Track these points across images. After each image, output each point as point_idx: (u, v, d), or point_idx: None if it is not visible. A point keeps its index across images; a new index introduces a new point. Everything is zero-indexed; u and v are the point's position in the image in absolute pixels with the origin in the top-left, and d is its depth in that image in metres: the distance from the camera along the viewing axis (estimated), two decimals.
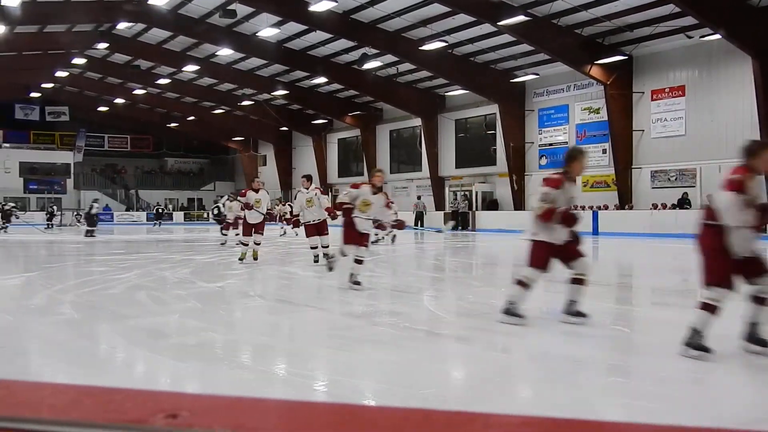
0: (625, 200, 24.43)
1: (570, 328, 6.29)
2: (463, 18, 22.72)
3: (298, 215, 11.38)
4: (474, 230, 28.32)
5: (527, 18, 20.90)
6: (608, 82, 23.91)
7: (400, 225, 10.35)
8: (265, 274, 11.59)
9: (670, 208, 22.55)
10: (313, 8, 22.08)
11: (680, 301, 8.36)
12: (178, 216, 44.59)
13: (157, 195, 47.84)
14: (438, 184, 32.61)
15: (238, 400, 1.04)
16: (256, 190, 12.53)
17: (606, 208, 24.71)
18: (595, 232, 23.63)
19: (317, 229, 11.26)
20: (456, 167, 32.13)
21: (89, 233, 22.76)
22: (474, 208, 29.90)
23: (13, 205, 29.36)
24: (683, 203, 22.39)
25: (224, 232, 18.20)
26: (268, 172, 45.81)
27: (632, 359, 5.09)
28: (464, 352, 5.10)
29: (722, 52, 21.42)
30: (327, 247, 11.11)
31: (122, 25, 27.98)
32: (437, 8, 22.26)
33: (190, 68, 31.52)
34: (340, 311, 7.22)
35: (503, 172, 29.19)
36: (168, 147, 51.95)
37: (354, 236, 8.20)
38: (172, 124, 45.54)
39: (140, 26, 28.25)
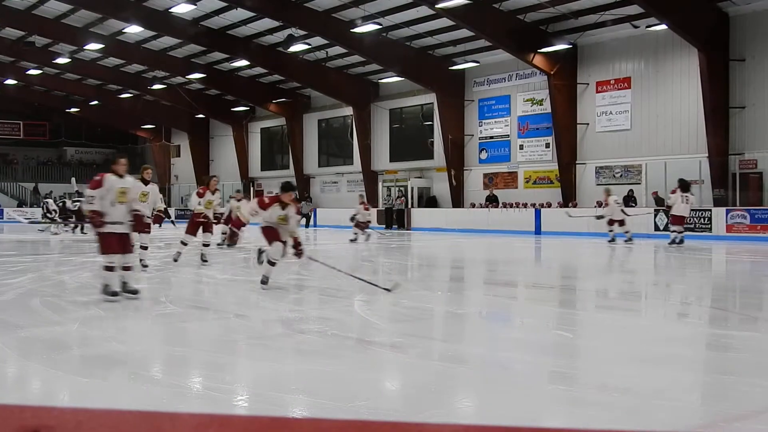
0: (568, 197, 25.11)
1: (511, 334, 6.44)
2: None
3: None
4: (409, 229, 28.56)
5: (467, 1, 21.20)
6: (552, 72, 24.52)
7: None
8: (179, 277, 11.37)
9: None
10: None
11: (625, 304, 8.67)
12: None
13: (55, 189, 46.16)
14: (371, 178, 32.72)
15: (119, 414, 1.02)
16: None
17: (549, 205, 25.34)
18: (538, 231, 24.24)
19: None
20: (390, 161, 32.30)
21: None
22: (409, 205, 30.14)
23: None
24: (628, 201, 23.18)
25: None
26: (183, 165, 44.95)
27: (575, 365, 5.24)
28: (399, 361, 5.15)
29: (669, 44, 22.30)
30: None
31: None
32: None
33: (94, 46, 30.49)
34: (262, 318, 7.16)
35: (441, 166, 29.53)
36: (67, 135, 50.20)
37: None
38: (73, 110, 44.03)
39: None
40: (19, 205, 43.58)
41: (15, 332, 6.08)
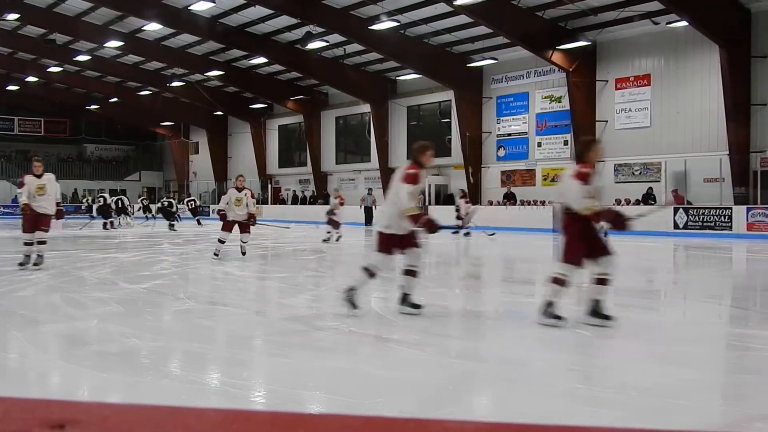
0: None
1: (528, 332, 6.40)
2: None
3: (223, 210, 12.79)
4: None
5: None
6: (570, 69, 24.37)
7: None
8: (197, 273, 11.44)
9: (634, 204, 23.13)
10: None
11: (644, 303, 8.61)
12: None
13: (75, 185, 46.58)
14: (388, 176, 32.62)
15: (144, 409, 1.02)
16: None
17: None
18: (556, 228, 24.07)
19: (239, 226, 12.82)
20: (408, 158, 32.19)
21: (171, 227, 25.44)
22: (426, 203, 30.07)
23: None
24: (648, 199, 23.00)
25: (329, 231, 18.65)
26: (201, 161, 45.17)
27: (594, 364, 5.21)
28: (416, 358, 5.14)
29: (689, 40, 22.08)
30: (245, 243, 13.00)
31: None
32: None
33: (113, 44, 30.76)
34: (280, 315, 7.18)
35: (458, 163, 29.46)
36: (87, 132, 50.61)
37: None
38: (93, 107, 44.40)
39: None
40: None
41: (35, 327, 6.14)
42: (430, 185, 30.78)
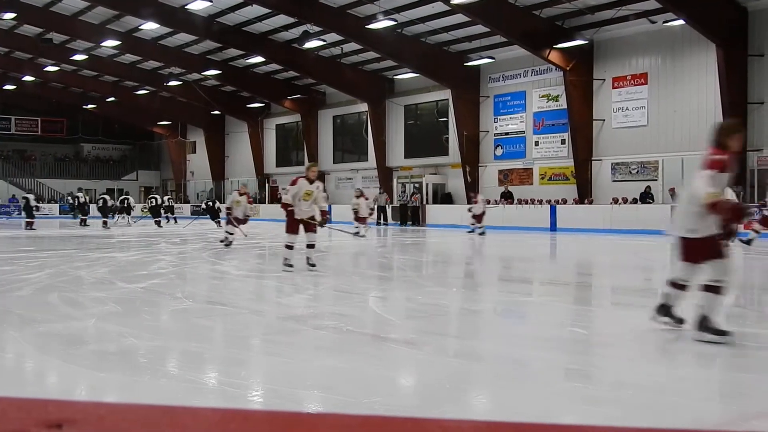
0: (584, 194, 24.97)
1: (526, 331, 6.41)
2: None
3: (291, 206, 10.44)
4: (424, 225, 28.51)
5: None
6: (568, 68, 24.38)
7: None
8: (195, 273, 11.43)
9: (631, 203, 23.17)
10: None
11: (641, 301, 8.61)
12: (94, 208, 43.41)
13: (72, 185, 46.50)
14: (386, 175, 32.70)
15: (141, 408, 1.02)
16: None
17: (564, 202, 25.22)
18: (553, 227, 24.12)
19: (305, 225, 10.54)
20: (405, 157, 32.27)
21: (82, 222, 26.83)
22: (424, 202, 30.09)
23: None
24: (645, 197, 23.02)
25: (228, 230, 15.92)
26: (198, 161, 45.12)
27: (591, 362, 5.21)
28: (414, 357, 5.14)
29: (686, 39, 22.11)
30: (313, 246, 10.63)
31: None
32: None
33: (110, 43, 30.70)
34: (278, 314, 7.18)
35: (456, 162, 29.47)
36: (84, 131, 50.52)
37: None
38: (89, 106, 44.31)
39: None
40: (36, 201, 43.88)
41: (33, 327, 6.13)
42: (427, 184, 30.80)
